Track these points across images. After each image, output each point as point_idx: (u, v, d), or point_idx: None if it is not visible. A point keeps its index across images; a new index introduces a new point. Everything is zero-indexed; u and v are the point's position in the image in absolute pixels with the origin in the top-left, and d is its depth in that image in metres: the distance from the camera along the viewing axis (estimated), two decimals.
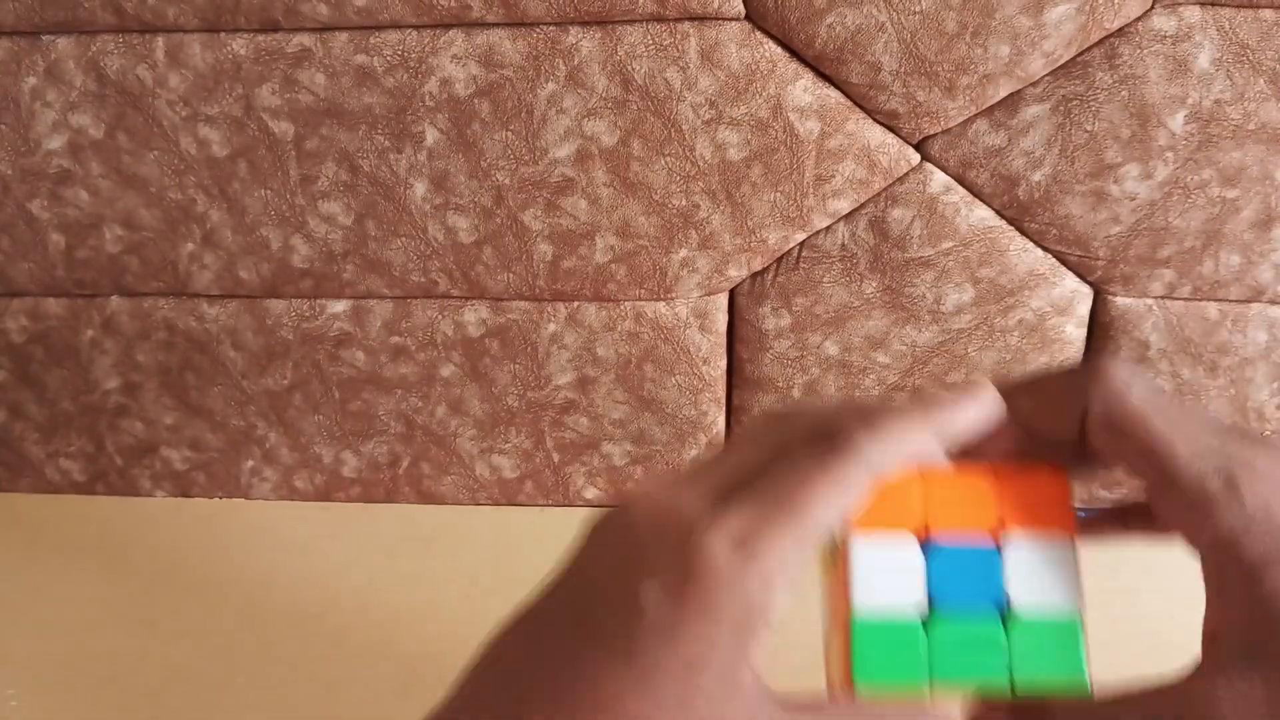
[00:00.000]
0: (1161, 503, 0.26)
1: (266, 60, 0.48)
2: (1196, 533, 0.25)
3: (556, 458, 0.58)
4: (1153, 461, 0.25)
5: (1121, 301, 0.52)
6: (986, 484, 0.27)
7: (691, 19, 0.46)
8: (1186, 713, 0.24)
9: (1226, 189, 0.48)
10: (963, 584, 0.27)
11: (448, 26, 0.47)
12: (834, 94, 0.47)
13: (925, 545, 0.27)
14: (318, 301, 0.55)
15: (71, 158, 0.50)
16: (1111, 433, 0.26)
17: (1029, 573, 0.27)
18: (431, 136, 0.49)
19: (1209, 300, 0.52)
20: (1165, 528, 0.26)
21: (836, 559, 0.28)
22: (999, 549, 0.27)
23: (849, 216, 0.50)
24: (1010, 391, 0.28)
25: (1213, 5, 0.45)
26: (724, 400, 0.57)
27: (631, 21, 0.46)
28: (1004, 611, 0.27)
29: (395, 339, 0.55)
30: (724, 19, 0.46)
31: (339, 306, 0.55)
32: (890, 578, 0.27)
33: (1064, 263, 0.51)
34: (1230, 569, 0.25)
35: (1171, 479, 0.25)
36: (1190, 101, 0.46)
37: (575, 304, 0.54)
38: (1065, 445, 0.27)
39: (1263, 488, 0.24)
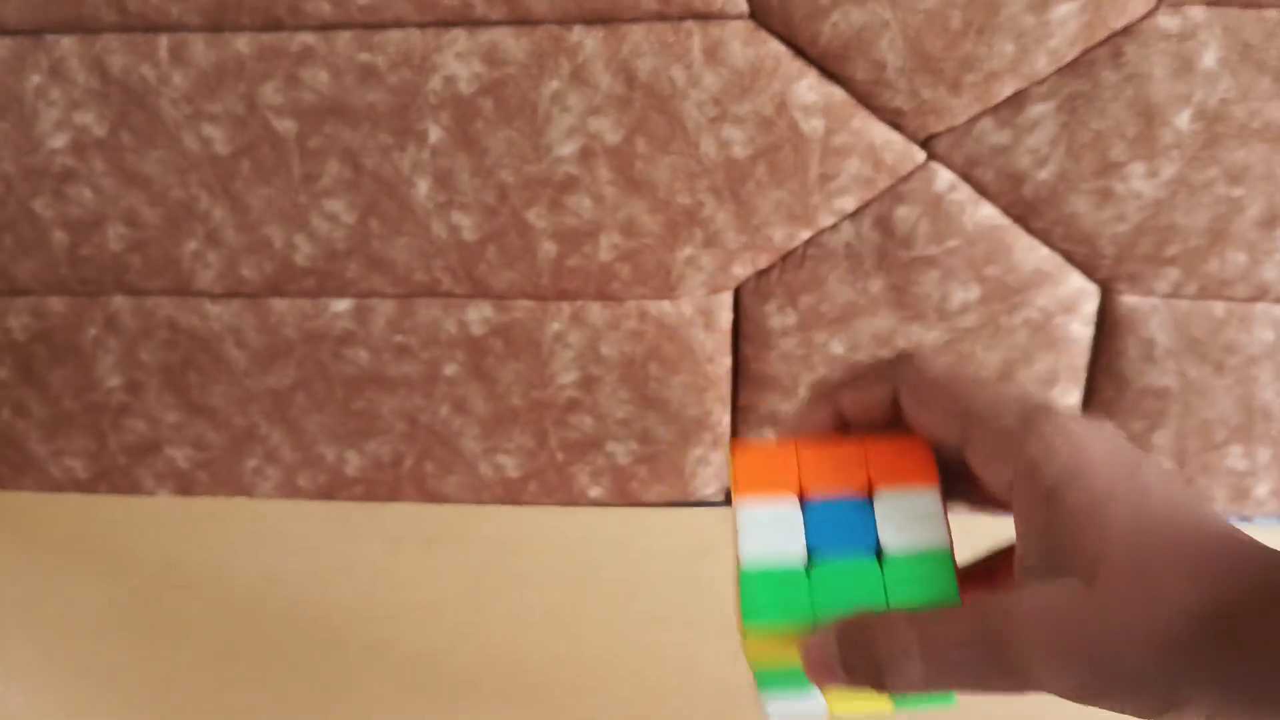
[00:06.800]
0: (971, 454, 0.28)
1: (270, 58, 0.47)
2: (1002, 468, 0.27)
3: (560, 457, 0.58)
4: (958, 418, 0.28)
5: (1127, 300, 0.52)
6: (855, 450, 0.31)
7: (695, 17, 0.46)
8: (998, 623, 0.26)
9: (1232, 187, 0.48)
10: (838, 533, 0.30)
11: (451, 25, 0.47)
12: (839, 92, 0.47)
13: (803, 503, 0.30)
14: (321, 300, 0.54)
15: (75, 156, 0.50)
16: (920, 403, 0.30)
17: (898, 518, 0.29)
18: (435, 134, 0.49)
19: (1215, 299, 0.52)
20: (980, 479, 0.29)
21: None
22: (870, 501, 0.30)
23: (854, 214, 0.50)
24: (833, 391, 0.32)
25: (1218, 4, 0.44)
26: (729, 399, 0.57)
27: (635, 20, 0.46)
28: (878, 553, 0.29)
29: (398, 338, 0.55)
30: (728, 17, 0.46)
31: (342, 305, 0.54)
32: (773, 532, 0.30)
33: (1070, 261, 0.51)
34: (1031, 494, 0.26)
35: (976, 427, 0.28)
36: (1195, 100, 0.46)
37: (579, 302, 0.54)
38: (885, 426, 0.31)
39: (1058, 424, 0.27)
